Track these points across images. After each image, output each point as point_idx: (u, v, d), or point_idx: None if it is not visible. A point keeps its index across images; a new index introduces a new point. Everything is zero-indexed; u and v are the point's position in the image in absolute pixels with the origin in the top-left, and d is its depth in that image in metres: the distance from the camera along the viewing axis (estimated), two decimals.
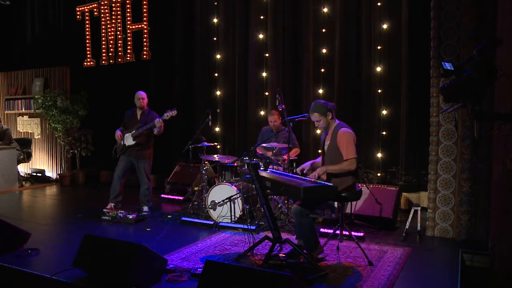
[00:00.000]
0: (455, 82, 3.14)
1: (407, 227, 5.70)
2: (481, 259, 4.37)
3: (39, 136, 10.70)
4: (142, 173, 6.87)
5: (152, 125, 6.64)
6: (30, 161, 10.34)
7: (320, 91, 7.75)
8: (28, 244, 5.10)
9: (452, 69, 3.23)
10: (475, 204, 5.44)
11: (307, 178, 4.55)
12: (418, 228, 5.62)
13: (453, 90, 3.15)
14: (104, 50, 10.00)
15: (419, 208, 5.74)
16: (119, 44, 9.80)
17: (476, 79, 3.04)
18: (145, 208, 6.90)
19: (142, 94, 6.92)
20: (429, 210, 5.72)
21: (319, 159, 5.01)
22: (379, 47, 7.23)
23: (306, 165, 4.90)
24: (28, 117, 10.83)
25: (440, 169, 5.59)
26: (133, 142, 6.77)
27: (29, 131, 10.81)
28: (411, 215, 5.77)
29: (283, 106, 6.23)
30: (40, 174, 10.51)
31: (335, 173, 4.61)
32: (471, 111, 3.11)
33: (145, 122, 6.76)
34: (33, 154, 10.44)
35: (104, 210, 6.66)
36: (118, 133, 6.90)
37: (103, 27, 9.98)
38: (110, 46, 9.91)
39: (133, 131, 6.76)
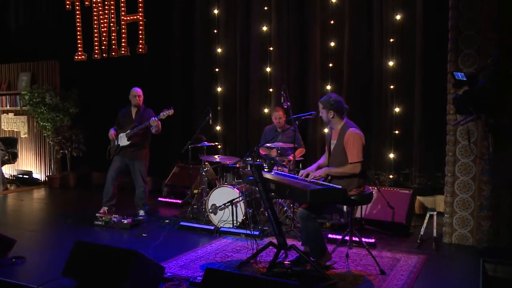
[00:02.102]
0: (468, 92, 3.14)
1: (422, 233, 5.69)
2: (505, 269, 4.31)
3: (26, 135, 10.70)
4: (137, 174, 6.86)
5: (147, 124, 6.65)
6: (15, 162, 10.34)
7: (328, 87, 7.75)
8: (13, 252, 5.05)
9: (465, 79, 3.23)
10: (497, 209, 5.41)
11: (313, 180, 4.56)
12: (434, 234, 5.61)
13: (466, 101, 3.14)
14: (96, 43, 10.00)
15: (435, 212, 5.71)
16: (113, 37, 9.80)
17: (490, 90, 3.03)
18: (141, 212, 6.91)
19: (138, 91, 6.91)
20: (446, 215, 5.71)
21: (322, 160, 5.01)
22: (391, 40, 7.21)
23: (311, 168, 4.89)
24: (14, 115, 10.81)
25: (458, 171, 5.58)
26: (128, 142, 6.78)
27: (15, 129, 10.81)
28: (426, 220, 5.75)
29: (289, 103, 6.23)
30: (27, 176, 10.51)
31: (337, 176, 4.62)
32: (486, 123, 3.11)
33: (141, 121, 6.76)
34: (19, 154, 10.43)
35: (97, 214, 6.66)
36: (112, 132, 6.90)
37: (95, 18, 9.98)
38: (103, 38, 9.91)
39: (128, 131, 6.76)
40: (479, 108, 3.12)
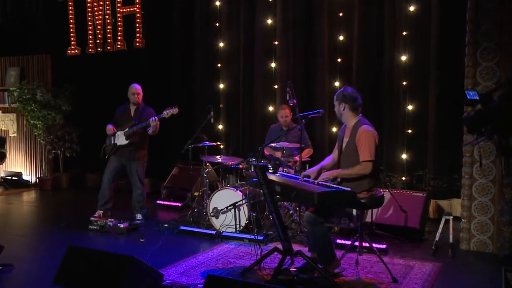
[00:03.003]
0: (480, 112, 3.14)
1: (437, 239, 5.66)
2: None
3: (15, 134, 10.71)
4: (135, 176, 6.86)
5: (147, 123, 6.65)
6: (4, 163, 10.34)
7: (337, 83, 7.74)
8: (0, 259, 5.00)
9: (477, 98, 3.23)
10: None
11: (321, 182, 4.55)
12: (450, 240, 5.57)
13: (477, 121, 3.14)
14: (90, 37, 9.99)
15: (451, 217, 5.67)
16: (108, 30, 9.79)
17: (504, 110, 3.03)
18: (139, 216, 6.91)
19: (136, 88, 6.91)
20: (463, 219, 5.68)
21: (326, 161, 5.00)
22: (404, 33, 7.20)
23: (313, 170, 4.86)
24: (2, 112, 10.81)
25: (476, 173, 5.54)
26: (126, 142, 6.78)
27: (3, 128, 10.80)
28: (441, 225, 5.72)
29: (295, 100, 6.22)
30: (16, 178, 10.50)
31: (347, 177, 4.61)
32: (498, 145, 3.11)
33: (140, 119, 6.76)
34: (7, 154, 10.42)
35: (92, 218, 6.65)
36: (109, 127, 6.90)
37: (89, 9, 9.96)
38: (98, 32, 9.90)
39: (126, 129, 6.76)
40: (492, 129, 3.13)
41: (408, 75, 7.23)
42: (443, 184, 7.05)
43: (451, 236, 5.59)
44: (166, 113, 6.63)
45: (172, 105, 6.69)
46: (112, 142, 6.89)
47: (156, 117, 6.61)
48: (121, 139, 6.82)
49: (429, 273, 4.84)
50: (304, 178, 4.69)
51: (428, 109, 7.13)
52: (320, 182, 4.52)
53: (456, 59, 6.27)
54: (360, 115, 4.78)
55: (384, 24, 7.40)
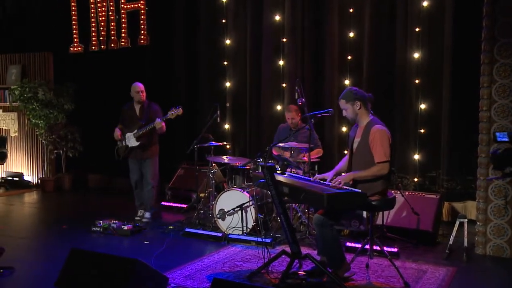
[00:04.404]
0: (508, 152, 3.15)
1: (451, 242, 5.62)
2: None
3: (16, 134, 10.74)
4: (148, 173, 6.99)
5: (153, 125, 6.75)
6: (5, 163, 10.37)
7: (347, 81, 7.71)
8: (1, 262, 5.02)
9: (507, 139, 3.25)
10: None
11: (330, 184, 4.54)
12: (465, 244, 5.54)
13: (504, 160, 3.16)
14: (94, 34, 10.01)
15: (466, 220, 5.64)
16: (112, 27, 9.81)
17: None
18: (147, 214, 6.97)
19: (140, 86, 6.98)
20: (478, 222, 5.65)
21: (341, 164, 4.99)
22: (417, 29, 7.16)
23: (328, 175, 4.84)
24: (3, 111, 10.84)
25: (492, 174, 5.50)
26: (137, 143, 6.89)
27: (4, 127, 10.83)
28: (455, 228, 5.68)
29: (303, 99, 6.20)
30: (17, 179, 10.52)
31: (363, 179, 4.57)
32: None
33: (147, 118, 6.86)
34: (8, 154, 10.45)
35: (136, 218, 6.95)
36: (117, 132, 7.00)
37: (92, 6, 9.98)
38: (101, 28, 9.92)
39: (135, 131, 6.87)
40: None
41: (420, 73, 7.20)
42: (457, 185, 7.01)
43: (465, 240, 5.55)
44: (171, 113, 6.70)
45: (176, 106, 6.74)
46: (124, 144, 6.99)
47: (160, 119, 6.66)
48: (132, 141, 6.92)
49: (442, 278, 4.81)
50: (317, 180, 4.68)
51: (442, 108, 7.09)
52: (330, 184, 4.52)
53: (471, 56, 6.22)
54: (372, 113, 4.75)
55: (396, 20, 7.36)
